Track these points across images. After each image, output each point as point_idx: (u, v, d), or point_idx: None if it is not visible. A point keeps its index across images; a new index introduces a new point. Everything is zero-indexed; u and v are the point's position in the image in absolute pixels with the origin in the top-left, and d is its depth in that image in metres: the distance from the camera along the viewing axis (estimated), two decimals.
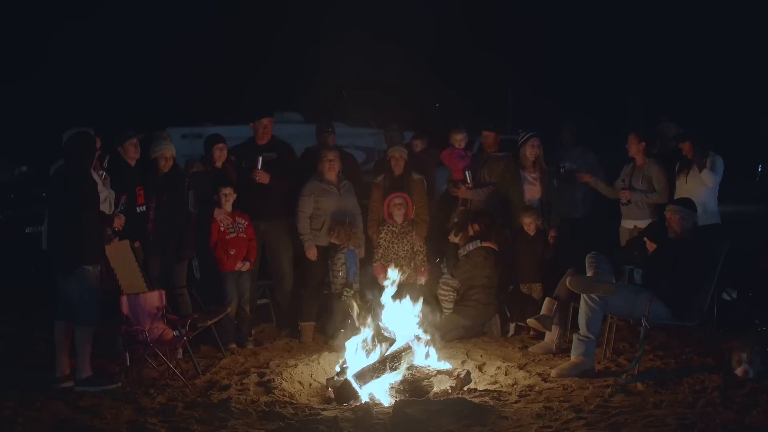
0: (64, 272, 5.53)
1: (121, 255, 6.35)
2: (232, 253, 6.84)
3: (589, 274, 5.85)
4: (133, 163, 6.72)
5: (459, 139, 7.86)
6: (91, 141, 5.76)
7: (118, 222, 6.01)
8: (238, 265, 6.84)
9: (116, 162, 6.66)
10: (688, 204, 6.10)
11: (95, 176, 5.87)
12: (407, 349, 5.53)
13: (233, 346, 6.72)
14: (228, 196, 6.90)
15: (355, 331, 5.95)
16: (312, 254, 7.03)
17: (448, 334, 6.79)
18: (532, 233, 7.20)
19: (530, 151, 7.41)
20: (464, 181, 7.46)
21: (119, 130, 6.84)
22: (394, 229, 7.29)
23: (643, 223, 7.11)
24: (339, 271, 6.89)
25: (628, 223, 7.28)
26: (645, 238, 6.35)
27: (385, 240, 7.28)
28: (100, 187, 5.86)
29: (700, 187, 6.84)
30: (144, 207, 6.62)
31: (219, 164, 7.09)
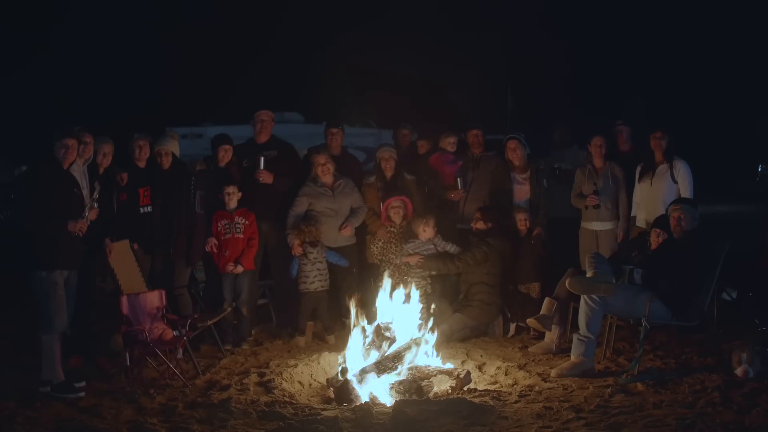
0: (25, 275, 5.34)
1: (121, 255, 6.36)
2: (226, 254, 6.84)
3: (588, 274, 5.85)
4: (141, 164, 6.75)
5: (451, 143, 7.86)
6: (61, 137, 5.37)
7: (72, 226, 5.35)
8: (229, 267, 6.83)
9: (126, 163, 6.71)
10: (693, 203, 6.11)
11: (78, 173, 5.71)
12: (408, 349, 5.54)
13: (228, 347, 6.70)
14: (232, 195, 6.90)
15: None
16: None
17: (454, 335, 6.79)
18: (523, 233, 7.20)
19: (510, 154, 7.45)
20: (455, 186, 7.46)
21: (129, 131, 6.88)
22: (392, 229, 7.29)
23: (611, 225, 7.17)
24: (311, 271, 6.94)
25: (594, 225, 7.27)
26: (654, 230, 6.33)
27: (383, 240, 7.29)
28: (86, 189, 5.78)
29: (666, 190, 6.84)
30: (149, 207, 6.65)
31: (222, 164, 7.10)
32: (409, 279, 6.89)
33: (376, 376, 5.28)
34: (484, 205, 7.32)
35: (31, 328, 7.07)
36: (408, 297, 6.00)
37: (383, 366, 5.36)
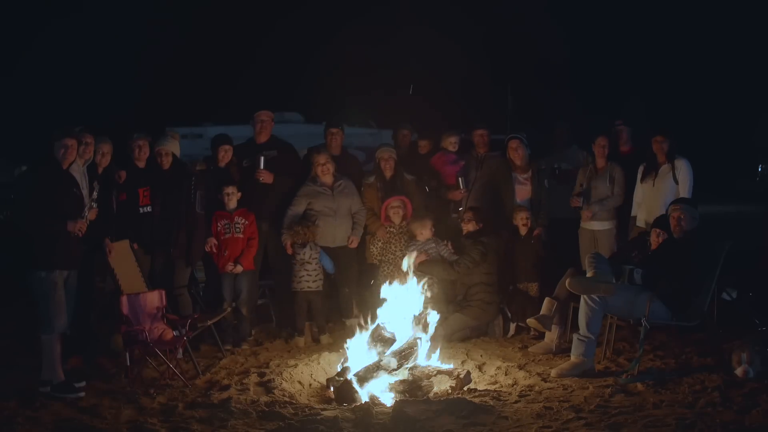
0: (25, 275, 5.33)
1: (121, 255, 6.36)
2: (225, 254, 6.85)
3: (588, 274, 5.85)
4: (140, 164, 6.76)
5: (452, 142, 7.86)
6: (60, 137, 5.34)
7: (71, 226, 5.33)
8: (229, 267, 6.83)
9: (126, 163, 6.71)
10: (693, 203, 6.10)
11: (78, 174, 5.71)
12: (408, 349, 5.53)
13: (228, 347, 6.69)
14: (231, 195, 6.91)
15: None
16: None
17: (455, 335, 6.79)
18: (524, 233, 7.21)
19: (512, 153, 7.46)
20: (457, 186, 7.46)
21: (129, 131, 6.89)
22: (392, 229, 7.30)
23: (609, 225, 7.19)
24: (299, 271, 6.97)
25: (593, 225, 7.29)
26: (654, 229, 6.34)
27: (382, 240, 7.29)
28: (86, 189, 5.78)
29: (668, 190, 6.85)
30: (149, 207, 6.65)
31: (222, 164, 7.11)
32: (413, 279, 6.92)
33: (376, 375, 5.28)
34: (473, 205, 7.34)
35: (31, 327, 7.09)
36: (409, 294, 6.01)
37: (384, 365, 5.36)
